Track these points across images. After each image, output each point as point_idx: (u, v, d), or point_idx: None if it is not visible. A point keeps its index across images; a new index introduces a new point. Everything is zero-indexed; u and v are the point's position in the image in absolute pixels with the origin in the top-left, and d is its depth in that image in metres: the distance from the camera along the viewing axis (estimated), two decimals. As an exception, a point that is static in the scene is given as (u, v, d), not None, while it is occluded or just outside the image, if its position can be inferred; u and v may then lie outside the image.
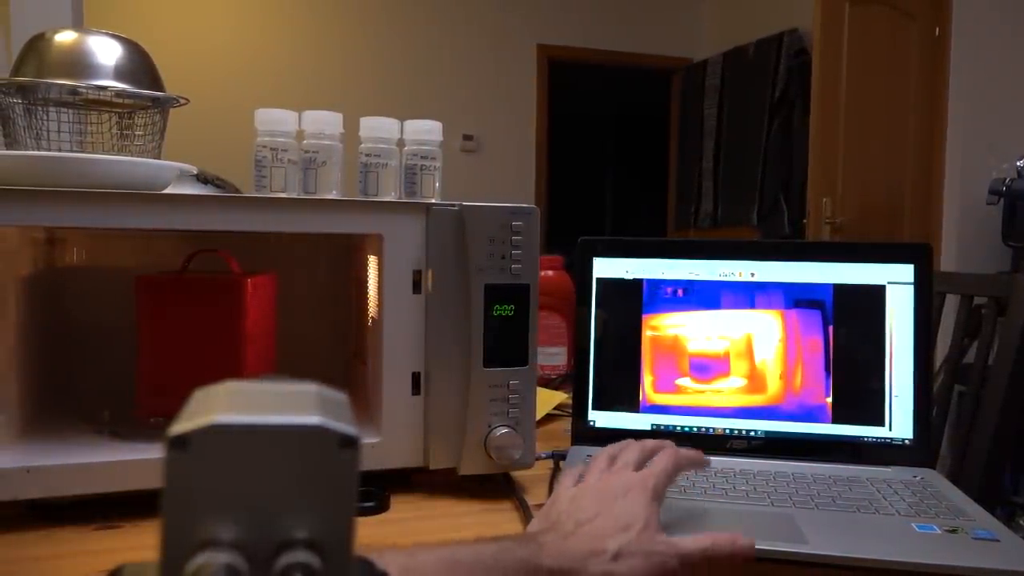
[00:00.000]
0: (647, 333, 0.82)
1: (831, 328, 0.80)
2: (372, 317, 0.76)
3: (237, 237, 0.76)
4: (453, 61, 4.46)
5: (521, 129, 4.64)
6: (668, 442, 0.63)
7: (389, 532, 0.63)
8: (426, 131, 0.79)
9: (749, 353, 0.81)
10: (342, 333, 0.92)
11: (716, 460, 0.77)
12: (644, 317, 0.83)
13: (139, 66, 0.73)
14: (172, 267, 0.77)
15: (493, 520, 0.66)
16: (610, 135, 7.07)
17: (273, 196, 0.72)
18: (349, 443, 0.26)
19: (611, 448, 0.63)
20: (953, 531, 0.60)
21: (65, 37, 0.71)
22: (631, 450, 0.61)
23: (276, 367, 0.81)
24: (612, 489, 0.55)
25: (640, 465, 0.59)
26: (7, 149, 0.71)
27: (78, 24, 2.30)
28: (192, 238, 0.81)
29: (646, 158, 6.40)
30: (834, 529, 0.60)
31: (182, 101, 0.76)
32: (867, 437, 0.78)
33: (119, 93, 0.71)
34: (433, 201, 0.72)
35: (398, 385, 0.70)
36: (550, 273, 1.19)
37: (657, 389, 0.82)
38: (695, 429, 0.81)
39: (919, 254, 0.80)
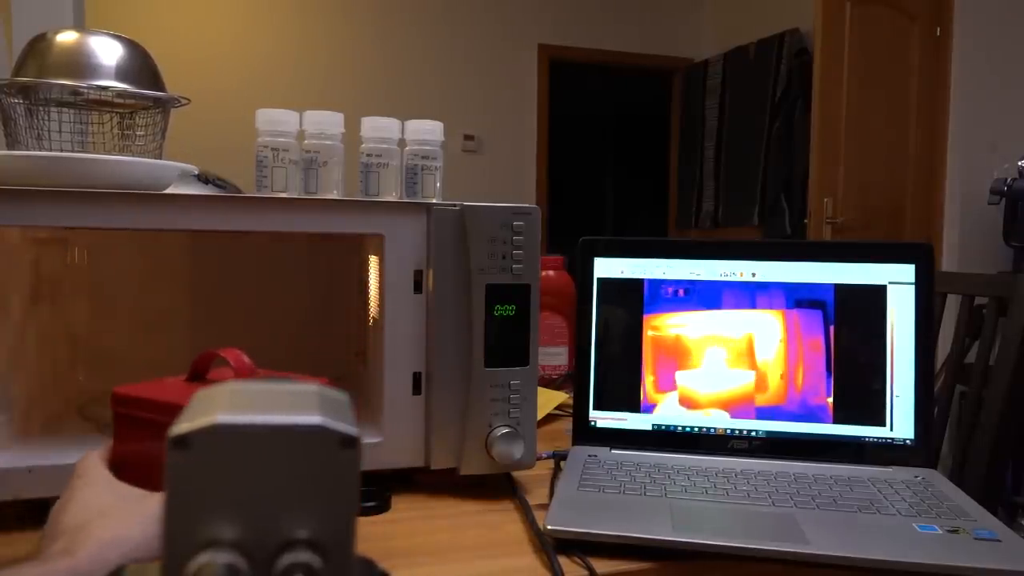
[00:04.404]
0: (648, 333, 0.82)
1: (832, 328, 0.80)
2: (373, 317, 0.76)
3: (238, 237, 0.76)
4: (454, 61, 4.46)
5: (522, 129, 4.64)
6: None
7: (390, 532, 0.63)
8: (427, 131, 0.79)
9: (750, 353, 0.81)
10: (343, 333, 0.92)
11: (717, 460, 0.77)
12: (645, 317, 0.83)
13: (140, 66, 0.73)
14: (173, 267, 0.77)
15: (494, 520, 0.66)
16: (610, 135, 7.06)
17: (274, 196, 0.72)
18: (350, 443, 0.26)
19: None
20: (954, 531, 0.60)
21: (66, 37, 0.71)
22: None
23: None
24: None
25: None
26: (8, 149, 0.71)
27: (79, 24, 2.30)
28: (194, 238, 0.81)
29: (646, 158, 6.40)
30: (835, 529, 0.60)
31: (183, 101, 0.76)
32: (868, 437, 0.78)
33: (120, 93, 0.71)
34: (434, 201, 0.72)
35: (399, 385, 0.70)
36: (551, 273, 1.19)
37: (658, 389, 0.82)
38: (696, 429, 0.81)
39: (920, 254, 0.80)
